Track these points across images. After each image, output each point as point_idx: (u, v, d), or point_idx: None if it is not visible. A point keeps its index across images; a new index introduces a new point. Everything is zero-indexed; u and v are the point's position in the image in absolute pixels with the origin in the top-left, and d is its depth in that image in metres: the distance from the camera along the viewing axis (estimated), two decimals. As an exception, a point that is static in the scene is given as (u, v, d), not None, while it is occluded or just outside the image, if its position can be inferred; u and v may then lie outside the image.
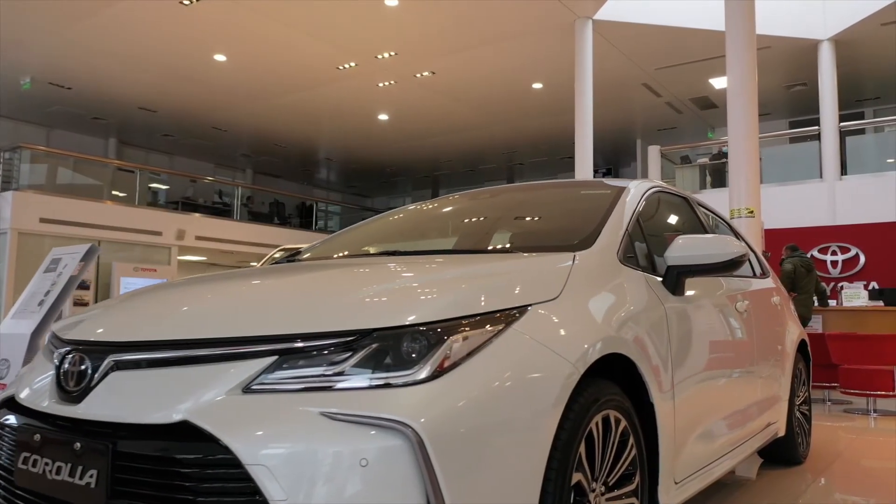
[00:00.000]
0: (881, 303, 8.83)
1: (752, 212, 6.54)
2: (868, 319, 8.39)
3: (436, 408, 1.43)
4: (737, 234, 3.94)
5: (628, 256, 2.34)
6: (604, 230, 2.33)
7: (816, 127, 12.33)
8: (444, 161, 20.51)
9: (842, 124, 12.13)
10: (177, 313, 1.80)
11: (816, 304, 8.45)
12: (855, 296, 8.78)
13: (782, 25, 11.48)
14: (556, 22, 11.08)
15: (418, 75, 13.43)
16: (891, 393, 6.10)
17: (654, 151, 13.57)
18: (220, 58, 12.57)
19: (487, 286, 1.78)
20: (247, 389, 1.47)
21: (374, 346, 1.49)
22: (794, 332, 4.03)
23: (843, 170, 11.98)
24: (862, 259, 11.03)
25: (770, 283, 4.02)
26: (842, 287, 9.84)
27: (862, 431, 5.63)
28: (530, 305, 1.74)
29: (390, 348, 1.50)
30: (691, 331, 2.47)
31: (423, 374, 1.47)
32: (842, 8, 11.42)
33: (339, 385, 1.45)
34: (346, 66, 12.93)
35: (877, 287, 10.17)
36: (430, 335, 1.52)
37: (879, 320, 8.28)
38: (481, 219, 3.02)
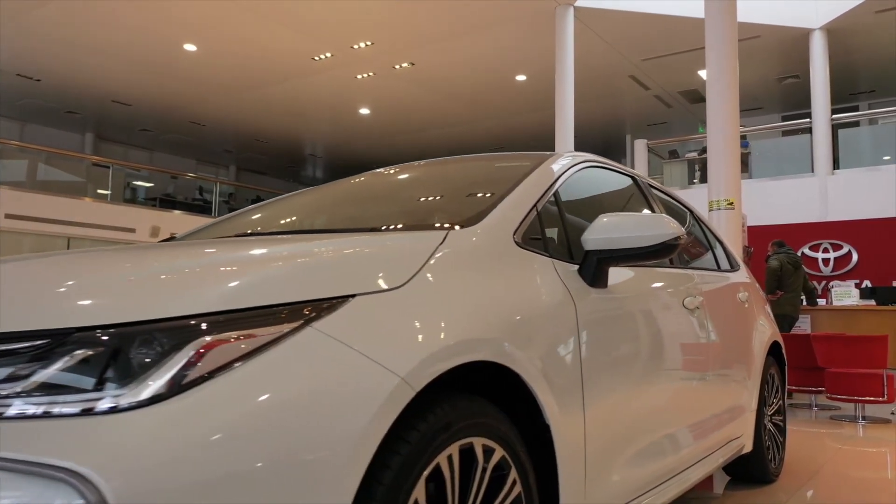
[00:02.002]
0: (873, 302, 8.37)
1: (731, 203, 6.09)
2: (859, 319, 7.97)
3: (151, 447, 0.96)
4: (699, 222, 3.49)
5: (533, 239, 1.88)
6: (500, 205, 1.86)
7: (807, 120, 11.86)
8: (431, 157, 20.00)
9: (834, 117, 11.66)
10: None
11: (805, 303, 8.01)
12: (845, 294, 8.31)
13: (772, 13, 11.01)
14: (536, 9, 10.61)
15: (397, 66, 12.96)
16: (880, 399, 5.64)
17: (640, 145, 13.12)
18: (189, 47, 12.09)
19: (288, 270, 1.31)
20: None
21: (74, 352, 1.03)
22: (764, 333, 3.57)
23: (836, 164, 11.51)
24: (854, 257, 10.56)
25: (739, 277, 3.56)
26: (832, 286, 9.38)
27: (848, 440, 5.18)
28: (353, 296, 1.28)
29: (101, 356, 1.03)
30: (613, 331, 2.01)
31: (145, 394, 1.00)
32: (834, -5, 10.95)
33: (8, 412, 0.99)
34: (322, 56, 12.47)
35: (869, 285, 9.71)
36: (164, 337, 1.05)
37: (871, 320, 7.85)
38: (371, 198, 2.55)
